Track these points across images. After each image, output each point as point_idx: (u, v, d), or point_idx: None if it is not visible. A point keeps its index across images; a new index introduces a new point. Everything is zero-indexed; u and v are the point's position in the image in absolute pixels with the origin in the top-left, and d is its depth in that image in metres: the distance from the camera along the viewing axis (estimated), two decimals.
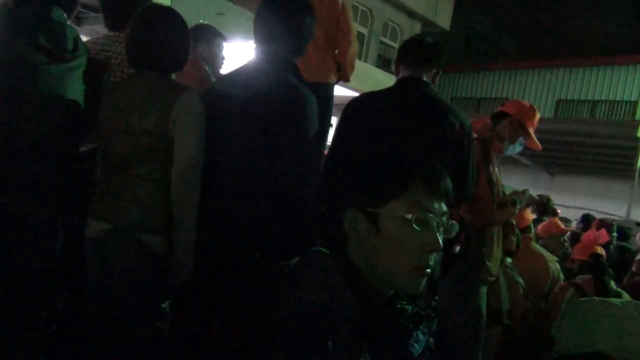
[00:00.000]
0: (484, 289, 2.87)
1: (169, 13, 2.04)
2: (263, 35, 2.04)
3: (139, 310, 1.93)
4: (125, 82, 2.09)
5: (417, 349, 1.08)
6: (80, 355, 1.99)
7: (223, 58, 3.41)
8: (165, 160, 1.92)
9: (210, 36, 3.31)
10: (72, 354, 2.06)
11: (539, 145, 3.02)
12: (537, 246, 4.22)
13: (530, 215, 4.26)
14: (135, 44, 1.99)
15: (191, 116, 1.92)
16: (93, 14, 7.12)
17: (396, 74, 2.47)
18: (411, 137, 2.20)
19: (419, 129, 2.23)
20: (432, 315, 1.15)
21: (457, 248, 2.62)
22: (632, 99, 16.41)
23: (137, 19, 2.01)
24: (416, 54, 2.38)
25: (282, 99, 1.91)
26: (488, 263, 2.82)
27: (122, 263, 1.92)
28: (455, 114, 2.30)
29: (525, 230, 4.06)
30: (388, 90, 2.42)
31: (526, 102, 3.08)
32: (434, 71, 2.40)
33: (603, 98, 17.05)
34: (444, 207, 1.10)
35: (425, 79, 2.36)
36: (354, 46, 3.47)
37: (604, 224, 5.58)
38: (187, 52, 2.06)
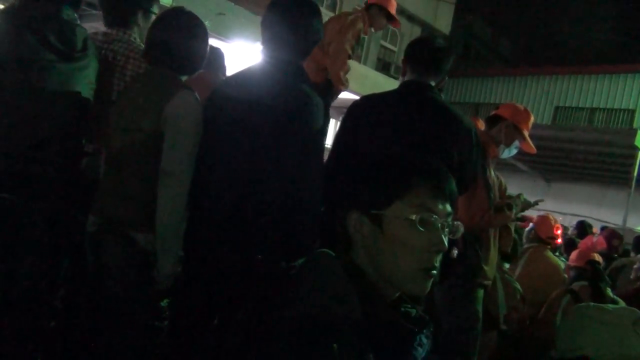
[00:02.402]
0: (480, 293, 2.87)
1: (192, 18, 2.06)
2: (270, 38, 2.02)
3: (133, 306, 1.93)
4: (135, 80, 2.11)
5: (421, 352, 1.07)
6: (78, 351, 1.98)
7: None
8: (157, 158, 1.91)
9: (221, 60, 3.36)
10: (70, 350, 2.05)
11: (533, 149, 3.03)
12: (553, 256, 4.27)
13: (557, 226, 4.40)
14: (154, 43, 2.02)
15: (183, 116, 1.91)
16: (93, 12, 7.11)
17: (402, 74, 2.42)
18: (414, 141, 2.17)
19: (423, 134, 2.20)
20: (428, 318, 1.15)
21: (455, 252, 2.62)
22: (630, 107, 16.46)
23: (160, 19, 2.05)
24: (426, 59, 2.33)
25: (288, 104, 1.90)
26: (485, 267, 2.82)
27: (113, 258, 1.93)
28: (460, 119, 2.28)
29: (548, 240, 4.22)
30: (393, 93, 2.39)
31: (521, 106, 3.09)
32: (440, 76, 2.37)
33: (601, 106, 17.08)
34: (449, 208, 1.10)
35: (431, 83, 2.33)
36: (337, 64, 3.48)
37: (615, 235, 5.52)
38: (203, 58, 2.09)
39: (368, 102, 2.39)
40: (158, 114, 1.89)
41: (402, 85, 2.39)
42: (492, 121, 3.03)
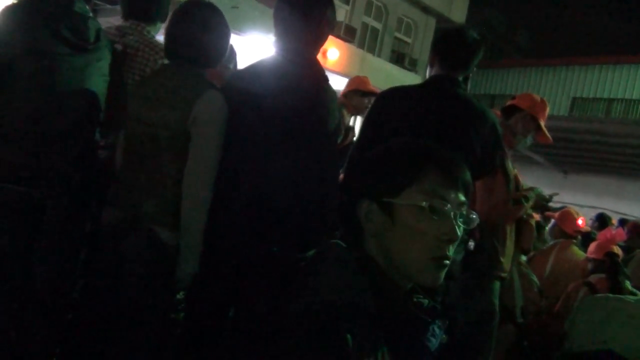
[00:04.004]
0: (497, 285, 2.85)
1: (211, 10, 2.02)
2: (282, 30, 2.00)
3: (150, 300, 1.93)
4: (156, 73, 2.10)
5: (434, 343, 1.06)
6: (95, 344, 2.00)
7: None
8: (182, 156, 1.91)
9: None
10: (87, 343, 2.07)
11: (550, 139, 2.99)
12: (580, 251, 4.26)
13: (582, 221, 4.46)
14: (174, 37, 1.99)
15: (211, 115, 1.90)
16: (108, 6, 7.15)
17: (430, 65, 2.38)
18: (438, 135, 2.14)
19: (447, 128, 2.17)
20: (441, 309, 1.13)
21: (472, 244, 2.60)
22: None
23: (178, 11, 2.01)
24: (455, 55, 2.28)
25: (301, 95, 1.89)
26: (501, 259, 2.80)
27: (134, 253, 1.92)
28: (485, 115, 2.25)
29: (575, 234, 4.32)
30: (419, 86, 2.36)
31: (537, 96, 3.05)
32: (469, 71, 2.33)
33: (619, 96, 16.85)
34: (462, 197, 1.07)
35: (459, 78, 2.28)
36: None
37: None
38: (225, 50, 2.06)
39: (394, 95, 2.36)
40: (186, 113, 1.88)
41: (429, 80, 2.36)
42: (509, 111, 3.00)
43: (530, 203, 2.90)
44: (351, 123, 4.03)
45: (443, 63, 2.30)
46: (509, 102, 3.05)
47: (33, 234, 1.99)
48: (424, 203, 1.03)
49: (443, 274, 1.06)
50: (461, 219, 1.07)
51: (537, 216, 4.31)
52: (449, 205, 1.04)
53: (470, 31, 2.33)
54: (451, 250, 1.06)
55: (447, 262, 1.05)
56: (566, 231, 4.36)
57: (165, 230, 1.91)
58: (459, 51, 2.29)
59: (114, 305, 1.95)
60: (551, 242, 4.49)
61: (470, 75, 2.40)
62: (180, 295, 2.25)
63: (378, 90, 3.89)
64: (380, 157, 1.14)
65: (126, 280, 1.93)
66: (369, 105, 3.93)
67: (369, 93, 3.92)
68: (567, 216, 4.45)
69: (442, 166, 1.07)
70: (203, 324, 2.01)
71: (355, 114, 4.00)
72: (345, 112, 3.80)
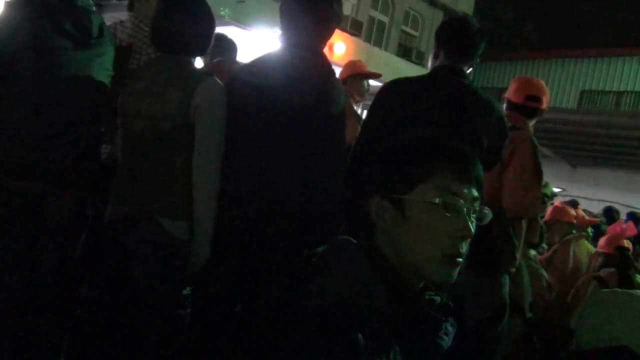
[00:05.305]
0: (506, 279, 2.84)
1: None
2: (289, 24, 2.00)
3: (159, 295, 1.94)
4: (145, 66, 2.10)
5: (447, 341, 1.04)
6: (102, 340, 2.00)
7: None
8: (186, 146, 1.92)
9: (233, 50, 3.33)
10: (94, 338, 2.07)
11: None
12: (590, 246, 4.24)
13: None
14: (159, 29, 2.00)
15: (212, 103, 1.92)
16: (115, 1, 7.16)
17: (435, 56, 2.35)
18: (444, 126, 2.12)
19: (453, 119, 2.14)
20: (453, 306, 1.11)
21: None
22: None
23: (161, 3, 2.01)
24: (462, 45, 2.25)
25: (308, 90, 1.88)
26: (516, 255, 2.79)
27: (141, 247, 1.93)
28: (491, 105, 2.22)
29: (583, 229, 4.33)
30: (423, 77, 2.33)
31: (545, 86, 3.02)
32: (474, 61, 2.31)
33: (628, 89, 16.72)
34: (475, 193, 1.05)
35: (464, 68, 2.26)
36: None
37: None
38: (210, 37, 2.06)
39: (398, 86, 2.33)
40: (186, 102, 1.89)
41: (433, 70, 2.33)
42: (533, 111, 2.93)
43: (550, 202, 2.90)
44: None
45: (447, 53, 2.28)
46: (532, 104, 2.94)
47: (36, 230, 1.99)
48: (437, 199, 1.01)
49: (456, 272, 1.04)
50: (474, 215, 1.05)
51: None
52: (462, 202, 1.03)
53: (471, 20, 2.31)
54: (464, 247, 1.04)
55: (460, 259, 1.03)
56: (569, 221, 4.36)
57: (174, 222, 1.92)
58: (463, 40, 2.26)
59: (122, 301, 1.95)
60: (567, 237, 4.45)
61: (474, 66, 2.37)
62: (187, 291, 2.25)
63: (376, 72, 3.86)
64: (392, 152, 1.12)
65: (134, 275, 1.93)
66: (369, 89, 3.90)
67: (368, 76, 3.86)
68: (562, 210, 4.44)
69: (456, 162, 1.05)
70: (210, 320, 2.01)
71: (359, 99, 3.92)
72: (352, 102, 3.74)
